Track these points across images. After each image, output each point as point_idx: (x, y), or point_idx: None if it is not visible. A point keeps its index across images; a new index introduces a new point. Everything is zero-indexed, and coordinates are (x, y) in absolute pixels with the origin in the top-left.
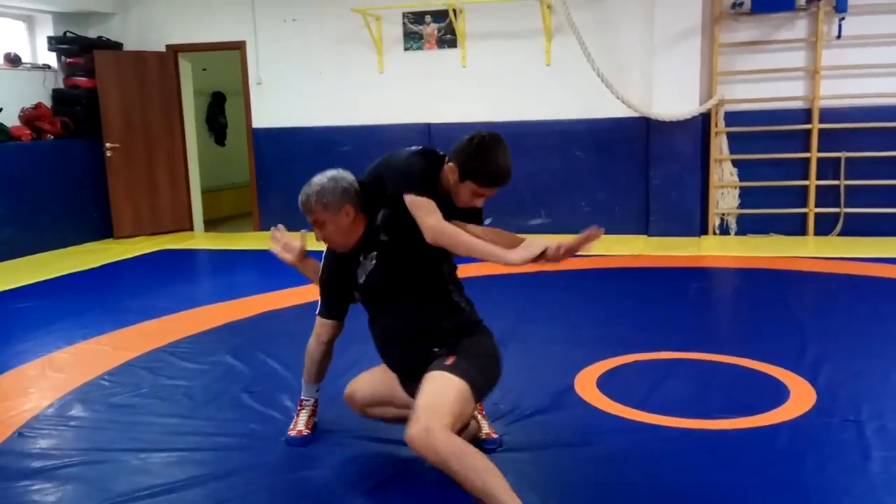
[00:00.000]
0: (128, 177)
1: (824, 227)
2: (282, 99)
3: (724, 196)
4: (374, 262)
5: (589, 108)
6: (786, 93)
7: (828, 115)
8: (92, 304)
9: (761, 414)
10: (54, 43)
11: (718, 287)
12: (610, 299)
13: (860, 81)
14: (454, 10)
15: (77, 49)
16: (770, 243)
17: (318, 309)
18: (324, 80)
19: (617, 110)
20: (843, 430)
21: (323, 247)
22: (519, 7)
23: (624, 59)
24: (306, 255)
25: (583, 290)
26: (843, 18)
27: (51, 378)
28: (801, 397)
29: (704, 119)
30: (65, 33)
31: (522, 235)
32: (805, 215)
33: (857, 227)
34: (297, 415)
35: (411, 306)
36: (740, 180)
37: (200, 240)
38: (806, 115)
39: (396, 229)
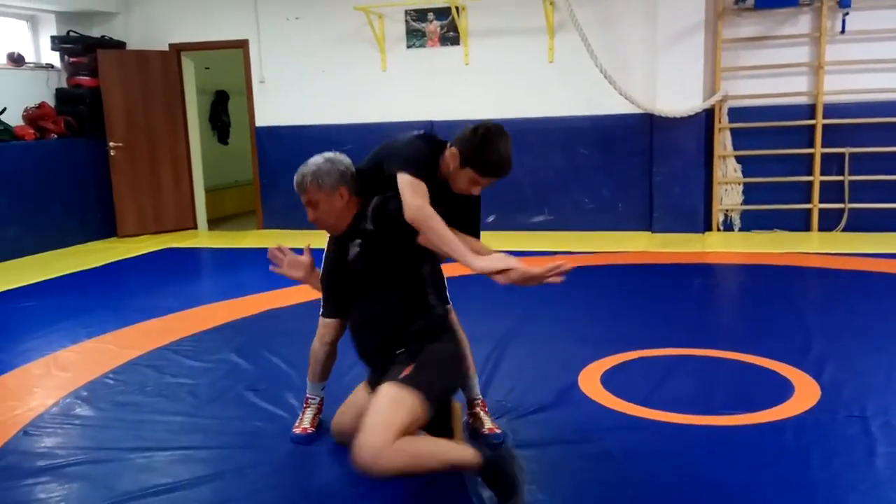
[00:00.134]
0: (131, 176)
1: (828, 223)
2: (285, 97)
3: (728, 192)
4: (357, 249)
5: (592, 105)
6: (789, 88)
7: (832, 110)
8: (96, 302)
9: (766, 410)
10: (58, 42)
11: (722, 283)
12: (614, 296)
13: (864, 77)
14: (457, 8)
15: (80, 48)
16: (774, 239)
17: (321, 310)
18: (327, 78)
19: (620, 107)
20: (848, 426)
21: (324, 244)
22: (521, 4)
23: (627, 56)
24: (314, 266)
25: (586, 286)
26: (846, 13)
27: (55, 377)
28: (805, 393)
29: (708, 115)
30: (68, 33)
31: (502, 254)
32: (809, 211)
33: (862, 223)
34: (303, 412)
35: (385, 301)
36: (744, 176)
37: (204, 238)
38: (810, 110)
39: (383, 220)
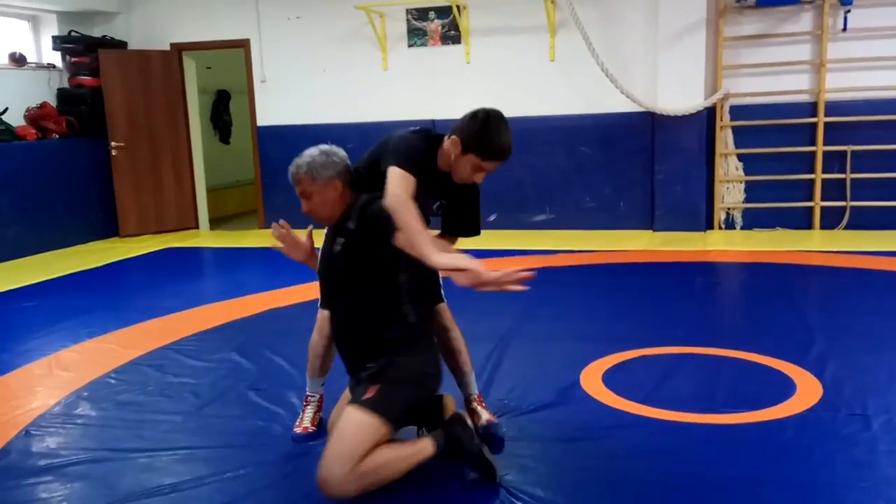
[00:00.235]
0: (133, 175)
1: (830, 220)
2: (286, 97)
3: (730, 190)
4: (339, 247)
5: (593, 104)
6: (791, 86)
7: (833, 108)
8: (98, 302)
9: (767, 408)
10: (59, 42)
11: (724, 282)
12: (615, 294)
13: (866, 74)
14: (458, 7)
15: (82, 48)
16: (776, 237)
17: (320, 301)
18: (328, 77)
19: (621, 105)
20: (850, 424)
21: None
22: (523, 3)
23: (628, 54)
24: (314, 251)
25: (588, 285)
26: (848, 11)
27: (57, 377)
28: (807, 391)
29: (709, 113)
30: (69, 33)
31: (464, 255)
32: (811, 209)
33: (863, 221)
34: (303, 411)
35: (359, 306)
36: (746, 174)
37: (206, 238)
38: (811, 108)
39: (365, 220)
